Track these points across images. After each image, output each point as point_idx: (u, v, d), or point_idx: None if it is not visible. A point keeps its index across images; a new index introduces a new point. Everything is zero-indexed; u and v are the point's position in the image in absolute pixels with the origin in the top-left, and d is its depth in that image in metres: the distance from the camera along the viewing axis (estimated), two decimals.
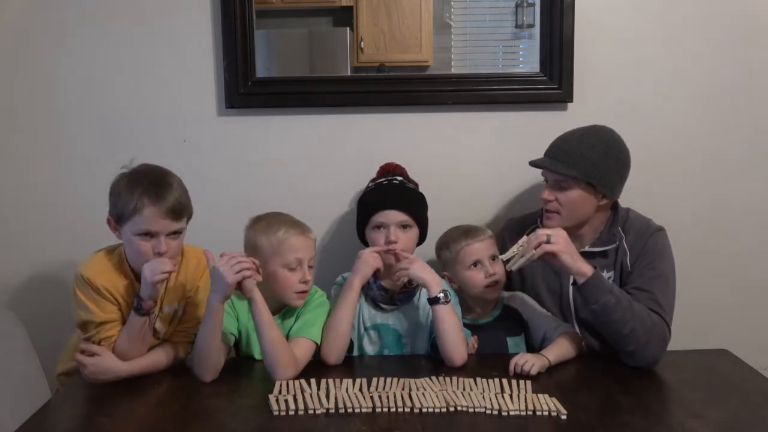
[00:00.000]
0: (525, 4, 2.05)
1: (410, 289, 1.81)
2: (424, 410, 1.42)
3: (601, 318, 1.65)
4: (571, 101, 2.05)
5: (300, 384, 1.54)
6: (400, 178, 1.88)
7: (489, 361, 1.68)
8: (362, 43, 2.09)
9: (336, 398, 1.46)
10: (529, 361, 1.60)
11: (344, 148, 2.10)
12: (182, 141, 2.09)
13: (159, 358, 1.67)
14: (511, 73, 2.09)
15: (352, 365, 1.73)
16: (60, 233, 2.11)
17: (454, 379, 1.56)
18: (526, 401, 1.44)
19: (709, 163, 2.11)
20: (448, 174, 2.09)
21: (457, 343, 1.67)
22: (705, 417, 1.40)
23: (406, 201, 1.82)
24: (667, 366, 1.66)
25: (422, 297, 1.80)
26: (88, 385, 1.61)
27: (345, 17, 2.08)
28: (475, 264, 1.80)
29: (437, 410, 1.42)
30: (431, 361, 1.73)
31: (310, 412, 1.42)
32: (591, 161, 1.74)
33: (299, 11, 2.15)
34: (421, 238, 1.86)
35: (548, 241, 1.62)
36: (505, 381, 1.54)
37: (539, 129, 1.97)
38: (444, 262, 1.86)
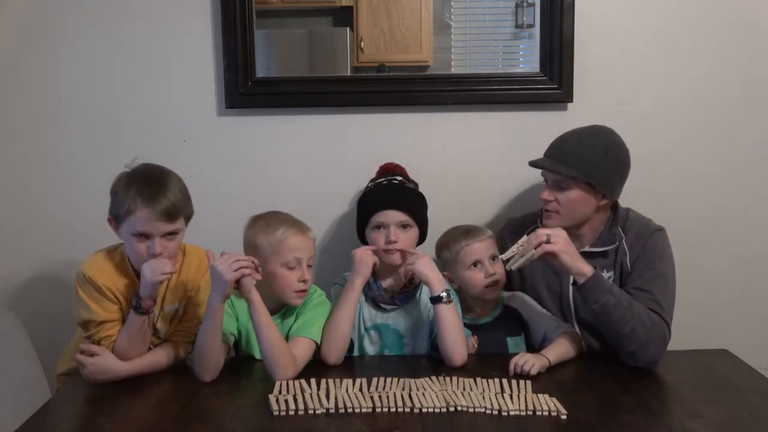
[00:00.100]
0: (525, 4, 2.05)
1: (410, 289, 1.82)
2: (424, 410, 1.42)
3: (601, 318, 1.65)
4: (571, 101, 2.05)
5: (300, 384, 1.54)
6: (399, 178, 1.88)
7: (489, 361, 1.68)
8: (362, 43, 2.09)
9: (336, 398, 1.46)
10: (529, 361, 1.60)
11: (344, 148, 2.10)
12: (182, 141, 2.09)
13: (159, 357, 1.67)
14: (511, 73, 2.09)
15: (352, 365, 1.73)
16: (60, 233, 2.11)
17: (454, 379, 1.56)
18: (526, 401, 1.44)
19: (708, 163, 2.11)
20: (448, 174, 2.09)
21: (457, 343, 1.67)
22: (705, 417, 1.40)
23: (406, 201, 1.82)
24: (667, 366, 1.66)
25: (423, 297, 1.80)
26: (88, 385, 1.61)
27: (345, 17, 2.08)
28: (475, 264, 1.80)
29: (437, 410, 1.42)
30: (431, 361, 1.73)
31: (310, 412, 1.42)
32: (591, 161, 1.74)
33: (299, 11, 2.15)
34: (421, 237, 1.86)
35: (548, 241, 1.63)
36: (505, 381, 1.54)
37: (539, 129, 1.97)
38: (444, 261, 1.87)
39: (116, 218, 1.62)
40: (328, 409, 1.43)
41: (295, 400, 1.45)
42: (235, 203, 2.06)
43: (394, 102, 2.08)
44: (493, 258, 1.81)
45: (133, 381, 1.61)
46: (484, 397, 1.46)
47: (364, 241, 1.86)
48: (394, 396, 1.47)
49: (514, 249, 1.68)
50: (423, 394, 1.48)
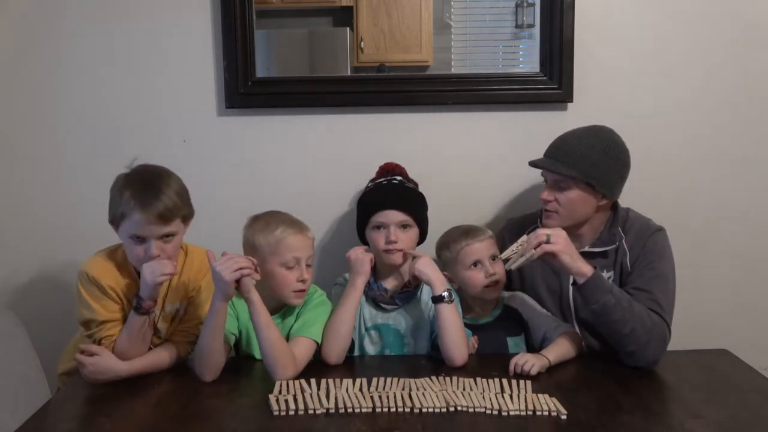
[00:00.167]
0: (525, 4, 2.05)
1: (411, 289, 1.82)
2: (424, 410, 1.42)
3: (601, 318, 1.65)
4: (571, 101, 2.05)
5: (300, 384, 1.54)
6: (399, 178, 1.88)
7: (489, 361, 1.68)
8: (362, 43, 2.09)
9: (336, 398, 1.46)
10: (529, 361, 1.60)
11: (344, 148, 2.10)
12: (182, 141, 2.09)
13: (159, 357, 1.67)
14: (511, 73, 2.09)
15: (353, 365, 1.73)
16: (60, 233, 2.11)
17: (454, 379, 1.56)
18: (526, 401, 1.44)
19: (709, 163, 2.11)
20: (447, 174, 2.09)
21: (458, 343, 1.67)
22: (705, 417, 1.40)
23: (406, 201, 1.82)
24: (667, 366, 1.66)
25: (423, 296, 1.80)
26: (88, 385, 1.61)
27: (345, 17, 2.08)
28: (475, 264, 1.80)
29: (437, 410, 1.42)
30: (431, 361, 1.73)
31: (310, 412, 1.42)
32: (590, 161, 1.74)
33: (299, 11, 2.15)
34: (422, 237, 1.86)
35: (548, 241, 1.62)
36: (505, 381, 1.54)
37: (539, 129, 1.98)
38: (444, 261, 1.87)
39: (114, 221, 1.63)
40: (328, 409, 1.43)
41: (295, 400, 1.45)
42: (235, 203, 2.06)
43: (394, 102, 2.08)
44: (493, 258, 1.81)
45: (133, 381, 1.61)
46: (484, 397, 1.46)
47: (364, 241, 1.86)
48: (394, 396, 1.47)
49: (513, 248, 1.68)
50: (423, 394, 1.48)
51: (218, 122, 2.10)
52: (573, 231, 1.76)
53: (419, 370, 1.63)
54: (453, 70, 2.11)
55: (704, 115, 2.09)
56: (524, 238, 1.68)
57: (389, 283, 1.83)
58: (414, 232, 1.81)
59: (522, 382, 1.54)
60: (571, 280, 1.78)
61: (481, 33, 2.14)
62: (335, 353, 1.70)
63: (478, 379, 1.55)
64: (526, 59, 2.11)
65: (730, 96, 2.08)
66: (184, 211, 1.64)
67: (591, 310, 1.65)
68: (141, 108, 2.08)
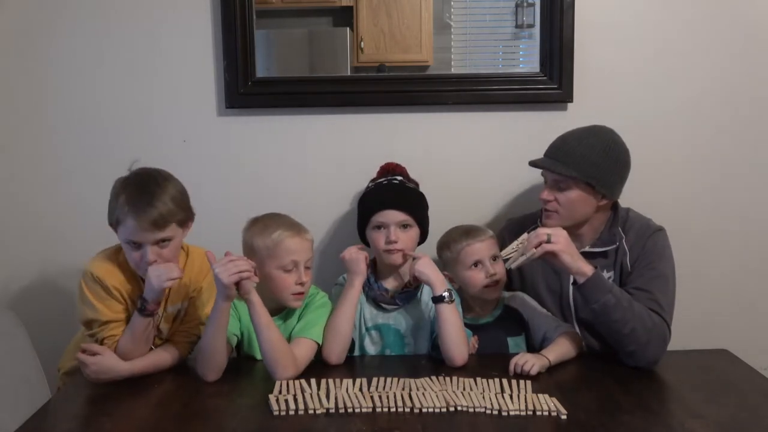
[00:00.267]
0: (525, 4, 2.05)
1: (411, 289, 1.82)
2: (424, 410, 1.42)
3: (601, 318, 1.65)
4: (571, 101, 2.05)
5: (300, 384, 1.54)
6: (400, 178, 1.88)
7: (489, 361, 1.69)
8: (362, 43, 2.09)
9: (336, 398, 1.46)
10: (529, 361, 1.60)
11: (344, 148, 2.10)
12: (182, 141, 2.09)
13: (160, 358, 1.67)
14: (511, 73, 2.09)
15: (353, 365, 1.74)
16: (60, 233, 2.11)
17: (454, 379, 1.56)
18: (526, 401, 1.44)
19: (709, 163, 2.11)
20: (447, 174, 2.09)
21: (458, 343, 1.67)
22: (705, 417, 1.40)
23: (406, 201, 1.82)
24: (667, 366, 1.66)
25: (424, 297, 1.80)
26: (89, 385, 1.61)
27: (345, 17, 2.08)
28: (475, 264, 1.80)
29: (437, 410, 1.42)
30: (431, 361, 1.73)
31: (310, 412, 1.42)
32: (590, 161, 1.74)
33: (299, 11, 2.15)
34: (422, 237, 1.86)
35: (548, 241, 1.62)
36: (505, 381, 1.54)
37: (539, 129, 1.98)
38: (445, 261, 1.87)
39: (112, 224, 1.63)
40: (328, 409, 1.43)
41: (295, 400, 1.45)
42: (235, 203, 2.07)
43: (394, 102, 2.08)
44: (494, 258, 1.81)
45: (133, 381, 1.61)
46: (484, 397, 1.46)
47: (365, 242, 1.86)
48: (394, 396, 1.47)
49: (513, 246, 1.68)
50: (423, 394, 1.48)
51: (218, 122, 2.10)
52: (573, 231, 1.76)
53: (419, 370, 1.63)
54: (453, 70, 2.11)
55: (704, 115, 2.09)
56: (525, 236, 1.68)
57: (390, 284, 1.83)
58: (414, 231, 1.81)
59: (522, 382, 1.54)
60: (571, 280, 1.78)
61: (481, 33, 2.14)
62: (336, 353, 1.70)
63: (478, 379, 1.55)
64: (526, 59, 2.11)
65: (731, 96, 2.08)
66: (179, 216, 1.62)
67: (591, 309, 1.65)
68: (141, 108, 2.08)
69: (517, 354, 1.65)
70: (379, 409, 1.43)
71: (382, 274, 1.84)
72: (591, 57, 2.04)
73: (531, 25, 2.06)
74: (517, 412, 1.41)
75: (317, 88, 2.08)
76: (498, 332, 1.82)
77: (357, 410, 1.42)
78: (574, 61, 2.02)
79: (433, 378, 1.56)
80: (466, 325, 1.76)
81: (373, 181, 1.92)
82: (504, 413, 1.41)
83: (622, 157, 1.79)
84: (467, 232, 1.84)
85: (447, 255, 1.85)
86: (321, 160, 2.11)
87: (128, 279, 1.66)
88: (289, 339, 1.68)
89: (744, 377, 1.64)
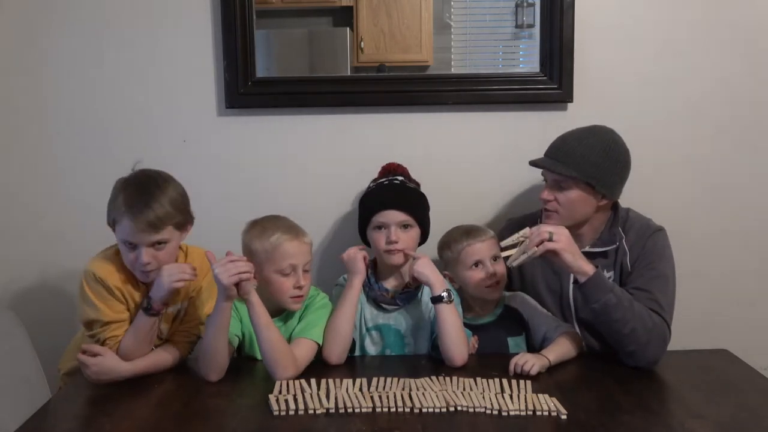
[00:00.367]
0: (525, 4, 2.05)
1: (412, 289, 1.82)
2: (424, 410, 1.42)
3: (601, 317, 1.65)
4: (571, 101, 2.05)
5: (300, 384, 1.54)
6: (401, 178, 1.88)
7: (489, 361, 1.68)
8: (362, 43, 2.09)
9: (336, 398, 1.46)
10: (530, 361, 1.60)
11: (344, 149, 2.10)
12: (182, 141, 2.09)
13: (161, 358, 1.67)
14: (511, 73, 2.09)
15: (353, 365, 1.73)
16: (60, 234, 2.11)
17: (454, 379, 1.56)
18: (526, 401, 1.44)
19: (709, 163, 2.11)
20: (447, 174, 2.09)
21: (458, 343, 1.67)
22: (705, 417, 1.40)
23: (407, 201, 1.82)
24: (667, 366, 1.66)
25: (424, 297, 1.80)
26: (89, 385, 1.61)
27: (345, 17, 2.08)
28: (476, 264, 1.80)
29: (437, 410, 1.42)
30: (431, 361, 1.73)
31: (310, 412, 1.42)
32: (590, 162, 1.74)
33: (299, 11, 2.15)
34: (423, 238, 1.86)
35: (550, 239, 1.62)
36: (505, 381, 1.54)
37: (539, 129, 1.98)
38: (445, 261, 1.87)
39: (110, 224, 1.63)
40: (328, 409, 1.43)
41: (295, 400, 1.45)
42: (235, 203, 2.07)
43: (394, 102, 2.08)
44: (495, 258, 1.81)
45: (133, 381, 1.61)
46: (484, 397, 1.46)
47: (365, 242, 1.86)
48: (394, 396, 1.47)
49: (514, 238, 1.68)
50: (423, 394, 1.48)
51: (218, 122, 2.10)
52: (573, 231, 1.76)
53: (419, 370, 1.63)
54: (453, 70, 2.11)
55: (704, 116, 2.09)
56: (526, 230, 1.68)
57: (390, 284, 1.83)
58: (415, 232, 1.81)
59: (522, 382, 1.54)
60: (571, 280, 1.78)
61: (481, 33, 2.14)
62: (336, 353, 1.70)
63: (478, 379, 1.55)
64: (526, 59, 2.11)
65: (731, 96, 2.08)
66: (177, 219, 1.62)
67: (591, 309, 1.65)
68: (141, 108, 2.08)
69: (517, 354, 1.65)
70: (379, 409, 1.43)
71: (383, 274, 1.84)
72: (591, 57, 2.04)
73: (531, 25, 2.06)
74: (517, 412, 1.41)
75: (317, 88, 2.08)
76: (498, 332, 1.82)
77: (357, 410, 1.42)
78: (574, 61, 2.02)
79: (433, 378, 1.56)
80: (466, 325, 1.76)
81: (374, 181, 1.92)
82: (504, 413, 1.41)
83: (622, 157, 1.79)
84: (468, 232, 1.84)
85: (447, 255, 1.85)
86: (321, 160, 2.11)
87: (128, 279, 1.66)
88: (289, 340, 1.68)
89: (744, 377, 1.64)
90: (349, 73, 2.11)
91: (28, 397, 1.64)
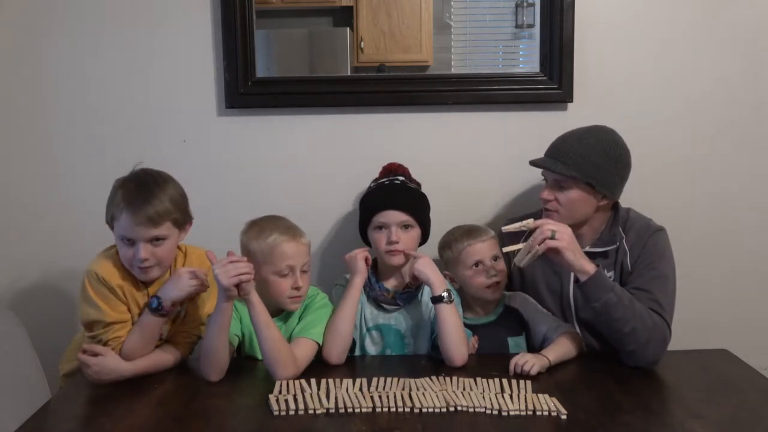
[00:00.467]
0: (525, 4, 2.05)
1: (412, 289, 1.82)
2: (424, 410, 1.42)
3: (602, 316, 1.65)
4: (571, 101, 2.05)
5: (300, 384, 1.54)
6: (401, 178, 1.88)
7: (489, 361, 1.68)
8: (362, 43, 2.09)
9: (336, 398, 1.46)
10: (530, 361, 1.60)
11: (344, 149, 2.10)
12: (182, 141, 2.09)
13: (162, 358, 1.67)
14: (511, 73, 2.09)
15: (353, 365, 1.74)
16: (60, 234, 2.11)
17: (454, 379, 1.56)
18: (526, 401, 1.44)
19: (709, 163, 2.11)
20: (447, 174, 2.09)
21: (458, 343, 1.67)
22: (705, 417, 1.40)
23: (407, 201, 1.82)
24: (667, 366, 1.66)
25: (424, 297, 1.80)
26: (89, 385, 1.61)
27: (345, 17, 2.08)
28: (476, 264, 1.80)
29: (437, 410, 1.42)
30: (431, 361, 1.73)
31: (310, 412, 1.42)
32: (591, 162, 1.74)
33: (299, 11, 2.15)
34: (424, 238, 1.86)
35: (552, 237, 1.62)
36: (505, 381, 1.54)
37: (539, 129, 1.97)
38: (446, 261, 1.87)
39: (108, 222, 1.63)
40: (328, 409, 1.43)
41: (295, 400, 1.45)
42: (235, 203, 2.07)
43: (394, 102, 2.08)
44: (495, 258, 1.81)
45: (134, 381, 1.61)
46: (484, 397, 1.46)
47: (366, 242, 1.86)
48: (394, 396, 1.47)
49: (516, 226, 1.68)
50: (423, 394, 1.48)
51: (218, 122, 2.10)
52: (573, 231, 1.75)
53: (419, 370, 1.63)
54: (453, 70, 2.11)
55: (704, 116, 2.09)
56: (530, 221, 1.68)
57: (390, 284, 1.83)
58: (416, 232, 1.81)
59: (522, 382, 1.54)
60: (572, 280, 1.78)
61: (481, 33, 2.14)
62: (336, 353, 1.70)
63: (478, 379, 1.55)
64: (526, 59, 2.11)
65: (731, 96, 2.08)
66: (175, 215, 1.62)
67: (592, 308, 1.65)
68: (141, 108, 2.08)
69: (517, 354, 1.65)
70: (379, 409, 1.43)
71: (383, 274, 1.84)
72: (591, 57, 2.04)
73: (531, 25, 2.06)
74: (517, 412, 1.41)
75: (317, 88, 2.08)
76: (498, 332, 1.82)
77: (357, 410, 1.42)
78: (574, 61, 2.02)
79: (433, 378, 1.56)
80: (466, 325, 1.76)
81: (375, 181, 1.92)
82: (504, 413, 1.41)
83: (622, 157, 1.79)
84: (469, 232, 1.84)
85: (448, 255, 1.85)
86: (321, 160, 2.11)
87: (130, 279, 1.66)
88: (289, 340, 1.68)
89: (744, 377, 1.64)
90: (349, 73, 2.11)
91: (28, 397, 1.64)
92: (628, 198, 1.84)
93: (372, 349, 1.82)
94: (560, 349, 1.69)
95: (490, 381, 1.54)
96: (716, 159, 2.11)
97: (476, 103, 2.07)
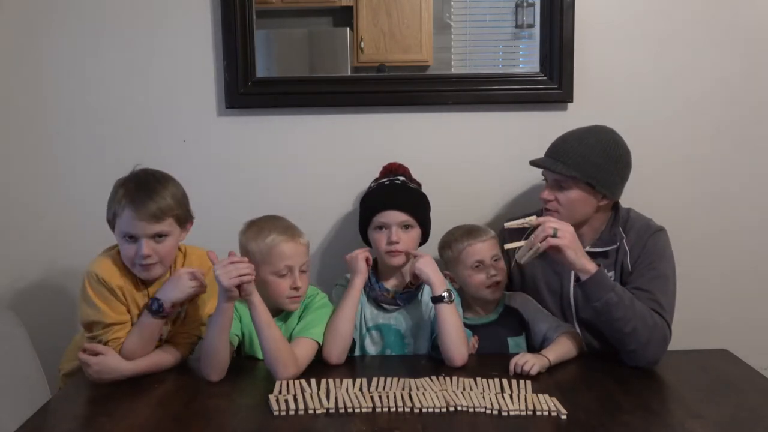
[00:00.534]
0: (525, 4, 2.05)
1: (412, 289, 1.82)
2: (424, 410, 1.42)
3: (602, 316, 1.65)
4: (571, 101, 2.05)
5: (300, 384, 1.54)
6: (402, 178, 1.88)
7: (489, 361, 1.68)
8: (362, 43, 2.09)
9: (336, 398, 1.46)
10: (530, 361, 1.60)
11: (344, 149, 2.10)
12: (182, 141, 2.09)
13: (162, 358, 1.67)
14: (511, 73, 2.09)
15: (353, 365, 1.74)
16: (60, 234, 2.11)
17: (454, 379, 1.56)
18: (526, 401, 1.44)
19: (709, 163, 2.11)
20: (448, 174, 2.09)
21: (458, 343, 1.67)
22: (705, 417, 1.40)
23: (408, 201, 1.82)
24: (667, 366, 1.66)
25: (424, 297, 1.80)
26: (89, 385, 1.61)
27: (345, 17, 2.08)
28: (477, 264, 1.80)
29: (437, 410, 1.42)
30: (431, 361, 1.73)
31: (310, 412, 1.42)
32: (591, 162, 1.74)
33: (299, 11, 2.15)
34: (424, 238, 1.86)
35: (554, 235, 1.62)
36: (505, 381, 1.54)
37: (539, 129, 1.97)
38: (446, 261, 1.87)
39: (110, 221, 1.63)
40: (328, 409, 1.43)
41: (295, 400, 1.45)
42: (235, 203, 2.07)
43: (394, 102, 2.08)
44: (495, 258, 1.81)
45: (134, 381, 1.61)
46: (484, 397, 1.46)
47: (366, 242, 1.86)
48: (394, 396, 1.47)
49: (519, 222, 1.69)
50: (423, 394, 1.48)
51: (218, 122, 2.10)
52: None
53: (419, 370, 1.63)
54: (453, 70, 2.11)
55: (705, 115, 2.09)
56: (533, 217, 1.68)
57: (390, 284, 1.83)
58: (416, 232, 1.81)
59: (522, 382, 1.54)
60: (572, 280, 1.78)
61: (481, 33, 2.14)
62: (336, 353, 1.70)
63: (478, 379, 1.55)
64: (526, 59, 2.11)
65: (731, 96, 2.08)
66: (177, 212, 1.63)
67: (593, 307, 1.65)
68: (141, 108, 2.08)
69: (517, 354, 1.65)
70: (379, 409, 1.43)
71: (383, 274, 1.84)
72: (591, 57, 2.04)
73: (531, 25, 2.06)
74: (517, 412, 1.41)
75: (317, 88, 2.08)
76: (498, 332, 1.82)
77: (357, 410, 1.42)
78: (574, 61, 2.02)
79: (433, 378, 1.56)
80: (466, 325, 1.76)
81: (375, 181, 1.92)
82: (504, 413, 1.41)
83: (622, 157, 1.79)
84: (469, 232, 1.84)
85: (448, 254, 1.85)
86: (321, 160, 2.11)
87: (130, 280, 1.65)
88: (289, 339, 1.68)
89: (744, 377, 1.64)
90: (349, 73, 2.11)
91: (28, 397, 1.64)
92: (628, 198, 1.84)
93: (372, 349, 1.82)
94: (560, 349, 1.69)
95: (490, 381, 1.54)
96: (716, 159, 2.11)
97: (476, 103, 2.07)
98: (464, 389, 1.51)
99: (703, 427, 1.36)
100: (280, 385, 1.54)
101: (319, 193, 2.11)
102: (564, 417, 1.39)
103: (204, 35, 2.05)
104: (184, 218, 1.66)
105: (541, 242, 1.62)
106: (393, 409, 1.43)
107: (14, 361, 1.75)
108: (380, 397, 1.47)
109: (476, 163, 2.11)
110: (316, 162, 2.11)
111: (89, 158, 2.09)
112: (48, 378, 1.81)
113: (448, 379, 1.56)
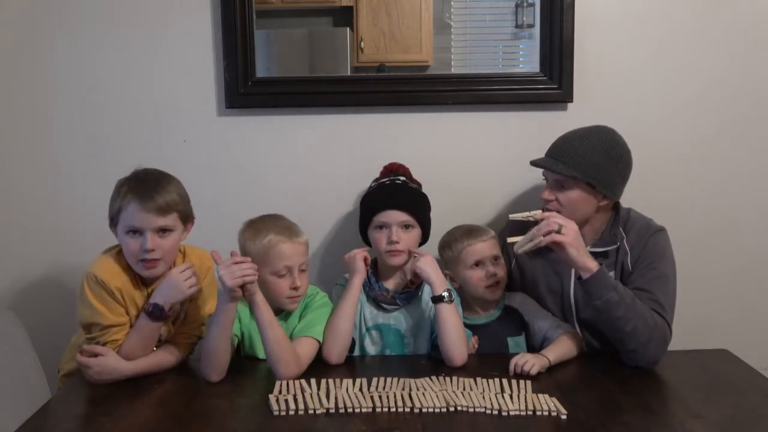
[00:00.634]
0: (525, 4, 2.05)
1: (412, 289, 1.82)
2: (424, 410, 1.42)
3: (603, 315, 1.64)
4: (571, 101, 2.05)
5: (300, 384, 1.54)
6: (402, 178, 1.88)
7: (489, 361, 1.69)
8: (362, 43, 2.09)
9: (336, 398, 1.46)
10: (530, 361, 1.60)
11: (344, 149, 2.10)
12: (182, 141, 2.09)
13: (162, 358, 1.67)
14: (511, 73, 2.09)
15: (353, 365, 1.74)
16: (60, 234, 2.11)
17: (454, 379, 1.56)
18: (526, 401, 1.44)
19: (709, 162, 2.11)
20: (448, 174, 2.09)
21: (458, 343, 1.67)
22: (705, 417, 1.40)
23: (408, 201, 1.82)
24: (667, 366, 1.66)
25: (424, 297, 1.80)
26: (89, 385, 1.61)
27: (345, 17, 2.08)
28: (476, 264, 1.80)
29: (437, 410, 1.42)
30: (431, 361, 1.73)
31: (310, 412, 1.42)
32: (591, 162, 1.74)
33: (299, 11, 2.15)
34: (424, 238, 1.86)
35: (558, 231, 1.62)
36: (505, 381, 1.54)
37: (539, 129, 1.98)
38: (446, 261, 1.87)
39: (112, 221, 1.63)
40: (328, 409, 1.43)
41: (295, 400, 1.45)
42: (235, 203, 2.06)
43: (394, 102, 2.08)
44: (495, 258, 1.81)
45: (134, 381, 1.61)
46: (484, 397, 1.46)
47: (367, 241, 1.86)
48: (394, 396, 1.47)
49: (524, 215, 1.69)
50: (423, 394, 1.48)
51: (218, 122, 2.10)
52: None
53: (419, 370, 1.63)
54: (453, 70, 2.11)
55: (705, 115, 2.09)
56: (538, 212, 1.69)
57: (390, 284, 1.83)
58: (416, 232, 1.81)
59: (522, 382, 1.54)
60: (572, 280, 1.78)
61: (481, 33, 2.14)
62: (336, 352, 1.70)
63: (478, 379, 1.55)
64: (526, 59, 2.11)
65: (731, 96, 2.08)
66: (181, 207, 1.63)
67: (594, 306, 1.64)
68: (141, 108, 2.08)
69: (517, 354, 1.65)
70: (379, 409, 1.43)
71: (383, 274, 1.84)
72: (591, 57, 2.04)
73: (531, 25, 2.06)
74: (517, 412, 1.41)
75: (317, 88, 2.08)
76: (498, 332, 1.82)
77: (357, 410, 1.42)
78: (574, 61, 2.02)
79: (433, 378, 1.56)
80: (466, 325, 1.76)
81: (376, 181, 1.92)
82: (504, 413, 1.41)
83: (623, 157, 1.79)
84: (469, 231, 1.84)
85: (448, 254, 1.85)
86: (321, 160, 2.11)
87: (130, 281, 1.65)
88: (290, 338, 1.67)
89: (744, 377, 1.64)
90: (349, 73, 2.11)
91: (28, 397, 1.64)
92: (628, 198, 1.84)
93: (371, 349, 1.82)
94: (560, 349, 1.69)
95: (490, 381, 1.54)
96: (716, 158, 2.11)
97: (476, 103, 2.07)
98: (464, 389, 1.51)
99: (703, 427, 1.36)
100: (280, 385, 1.54)
101: (319, 193, 2.11)
102: (564, 417, 1.39)
103: (204, 35, 2.05)
104: (187, 216, 1.66)
105: (544, 236, 1.62)
106: (393, 409, 1.43)
107: (14, 361, 1.75)
108: (380, 397, 1.47)
109: (476, 163, 2.11)
110: (316, 162, 2.11)
111: (89, 158, 2.09)
112: (48, 378, 1.81)
113: (448, 379, 1.56)
